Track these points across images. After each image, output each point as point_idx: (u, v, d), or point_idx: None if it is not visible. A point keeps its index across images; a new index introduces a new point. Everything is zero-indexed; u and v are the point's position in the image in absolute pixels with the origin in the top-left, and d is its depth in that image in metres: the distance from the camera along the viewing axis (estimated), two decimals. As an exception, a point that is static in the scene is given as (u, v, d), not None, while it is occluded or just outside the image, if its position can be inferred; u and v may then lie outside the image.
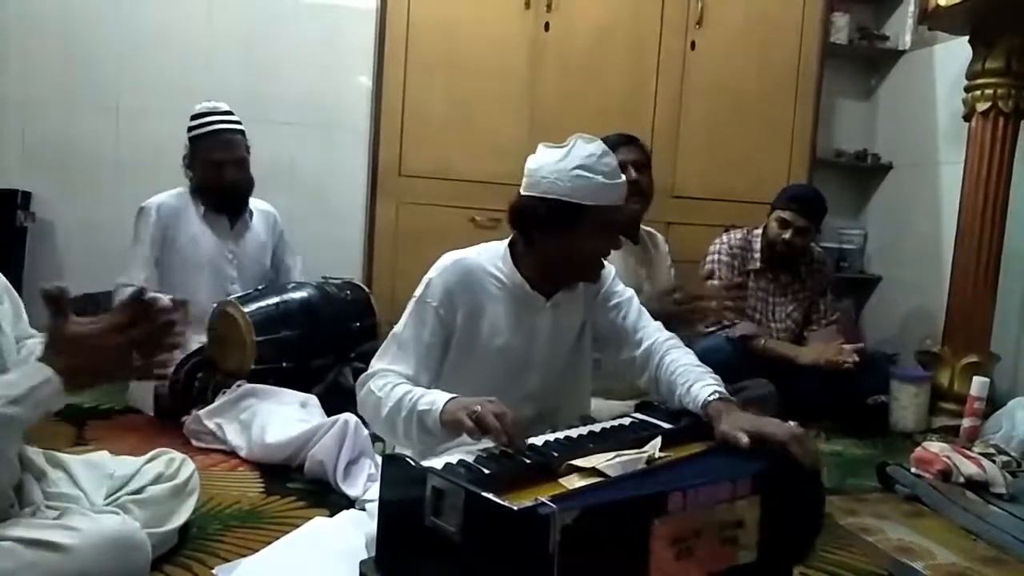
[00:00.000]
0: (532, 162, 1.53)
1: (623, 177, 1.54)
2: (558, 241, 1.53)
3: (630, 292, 1.73)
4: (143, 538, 1.25)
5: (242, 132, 2.55)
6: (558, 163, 1.49)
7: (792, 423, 1.32)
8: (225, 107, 2.54)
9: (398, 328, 1.58)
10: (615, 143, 2.37)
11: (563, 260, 1.56)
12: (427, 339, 1.54)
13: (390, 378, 1.50)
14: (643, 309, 1.71)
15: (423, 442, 1.42)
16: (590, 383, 1.78)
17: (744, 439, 1.28)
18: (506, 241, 1.63)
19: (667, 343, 1.62)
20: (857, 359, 2.64)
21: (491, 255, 1.62)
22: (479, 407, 1.29)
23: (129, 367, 1.12)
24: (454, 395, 1.39)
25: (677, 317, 2.03)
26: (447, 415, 1.34)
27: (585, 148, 1.49)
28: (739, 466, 1.23)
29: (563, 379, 1.67)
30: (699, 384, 1.47)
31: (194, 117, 2.52)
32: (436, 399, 1.39)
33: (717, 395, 1.43)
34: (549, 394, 1.64)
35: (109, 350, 1.09)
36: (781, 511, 1.21)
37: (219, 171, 2.50)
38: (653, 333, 1.65)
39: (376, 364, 1.56)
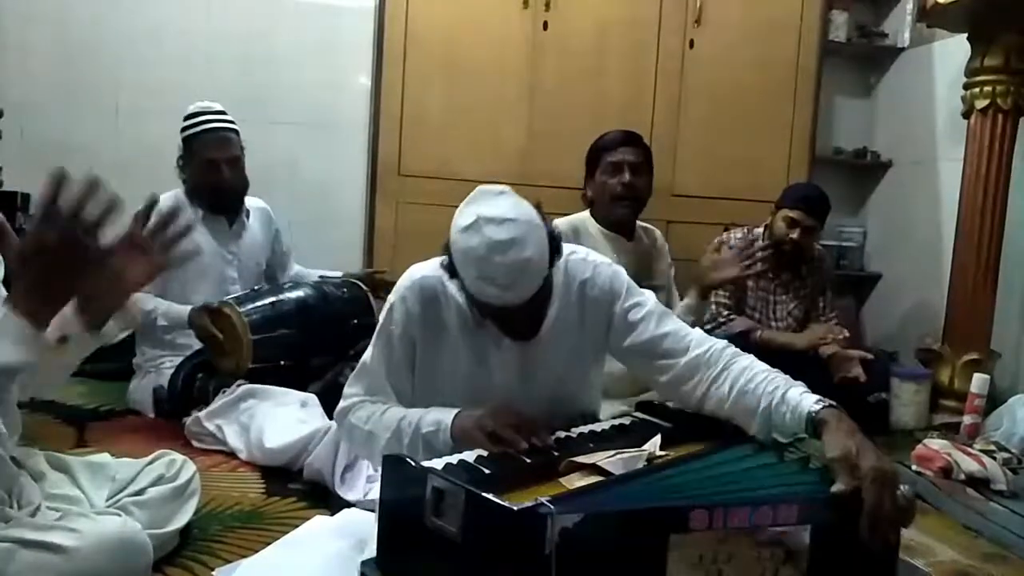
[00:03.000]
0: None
1: (505, 286, 1.27)
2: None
3: (651, 299, 1.50)
4: (144, 540, 1.25)
5: (236, 132, 2.53)
6: (463, 225, 1.29)
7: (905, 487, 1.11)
8: (218, 107, 2.53)
9: (367, 357, 1.51)
10: (614, 141, 2.38)
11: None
12: (396, 364, 1.47)
13: (374, 407, 1.45)
14: (671, 314, 1.50)
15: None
16: (597, 398, 1.65)
17: (844, 483, 1.09)
18: None
19: (727, 350, 1.39)
20: (847, 334, 2.70)
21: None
22: (489, 421, 1.26)
23: (83, 253, 1.05)
24: (457, 409, 1.34)
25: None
26: (458, 431, 1.31)
27: (485, 230, 1.26)
28: (787, 485, 1.10)
29: (553, 407, 1.47)
30: (795, 390, 1.27)
31: (187, 117, 2.50)
32: (440, 419, 1.35)
33: (826, 404, 1.24)
34: (535, 411, 1.41)
35: (50, 246, 1.03)
36: (839, 547, 1.04)
37: (214, 170, 2.47)
38: (703, 340, 1.41)
39: (349, 392, 1.51)
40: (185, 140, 2.51)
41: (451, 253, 1.32)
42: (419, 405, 1.46)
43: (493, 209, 1.28)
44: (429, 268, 1.46)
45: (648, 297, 1.51)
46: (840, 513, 1.05)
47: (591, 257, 1.52)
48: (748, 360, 1.36)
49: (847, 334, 2.68)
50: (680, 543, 0.97)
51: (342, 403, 1.52)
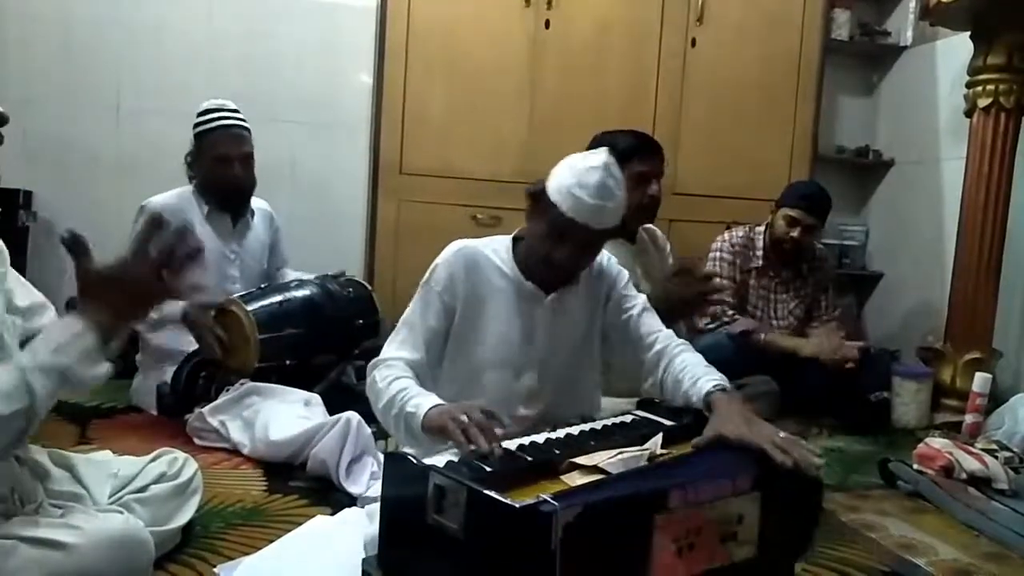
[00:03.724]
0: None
1: (609, 208, 1.50)
2: (535, 234, 1.56)
3: (642, 298, 1.71)
4: (147, 537, 1.25)
5: (249, 130, 2.54)
6: (577, 165, 1.50)
7: (783, 433, 1.30)
8: (232, 105, 2.53)
9: (407, 312, 1.61)
10: (638, 149, 2.20)
11: (538, 256, 1.57)
12: (432, 323, 1.57)
13: (394, 370, 1.50)
14: (654, 313, 1.70)
15: (410, 444, 1.42)
16: (598, 385, 1.76)
17: (714, 434, 1.30)
18: (511, 235, 1.65)
19: (678, 347, 1.61)
20: (857, 356, 2.65)
21: (497, 246, 1.63)
22: (465, 416, 1.28)
23: (162, 289, 1.13)
24: (439, 402, 1.38)
25: (680, 300, 2.04)
26: (429, 421, 1.34)
27: (604, 167, 1.48)
28: (741, 463, 1.23)
29: (564, 379, 1.65)
30: (704, 379, 1.48)
31: (201, 113, 2.49)
32: (421, 403, 1.38)
33: (720, 386, 1.45)
34: (549, 393, 1.63)
35: (139, 278, 1.11)
36: (780, 507, 1.21)
37: (226, 166, 2.47)
38: (665, 338, 1.64)
39: (386, 350, 1.57)
40: (197, 136, 2.50)
41: (542, 195, 1.51)
42: (450, 368, 1.60)
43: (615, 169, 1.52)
44: (471, 240, 1.64)
45: (639, 297, 1.72)
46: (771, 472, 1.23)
47: (607, 254, 1.72)
48: (687, 354, 1.59)
49: (857, 355, 2.66)
50: (663, 522, 1.06)
51: (376, 358, 1.58)
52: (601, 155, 1.49)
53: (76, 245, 1.10)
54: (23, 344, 1.14)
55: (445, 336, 1.59)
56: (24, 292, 1.30)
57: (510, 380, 1.60)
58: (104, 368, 1.10)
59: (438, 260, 1.61)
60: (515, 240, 1.63)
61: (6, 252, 1.26)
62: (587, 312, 1.67)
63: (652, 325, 1.67)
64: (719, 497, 1.13)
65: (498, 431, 1.29)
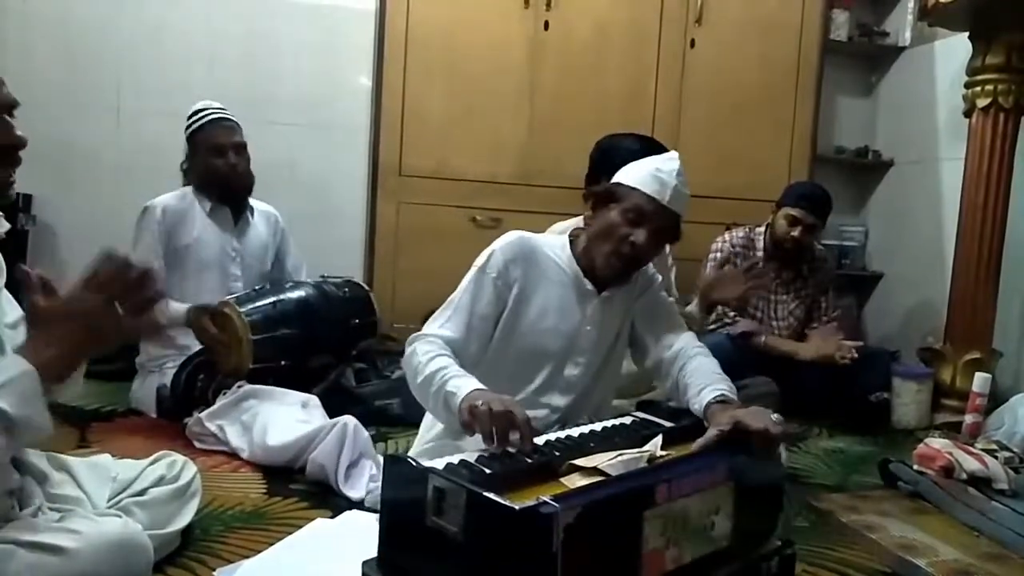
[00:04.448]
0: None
1: (672, 185, 1.62)
2: (597, 221, 1.61)
3: (671, 302, 1.77)
4: (145, 541, 1.24)
5: (238, 124, 2.56)
6: (647, 158, 1.65)
7: (775, 416, 1.36)
8: (219, 104, 2.56)
9: (456, 294, 1.61)
10: (638, 154, 2.25)
11: (591, 245, 1.61)
12: (482, 309, 1.58)
13: (435, 347, 1.51)
14: (681, 319, 1.75)
15: (447, 421, 1.44)
16: (611, 399, 1.81)
17: (716, 432, 1.32)
18: (568, 233, 1.70)
19: (695, 349, 1.63)
20: (855, 355, 2.64)
21: (554, 242, 1.69)
22: (487, 406, 1.26)
23: (116, 325, 1.08)
24: (480, 386, 1.38)
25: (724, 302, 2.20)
26: (469, 400, 1.33)
27: (675, 158, 1.66)
28: (719, 457, 1.26)
29: (601, 374, 1.70)
30: (709, 388, 1.48)
31: (190, 116, 2.53)
32: (463, 384, 1.38)
33: (720, 397, 1.45)
34: (586, 386, 1.67)
35: (90, 311, 1.06)
36: (749, 495, 1.25)
37: (221, 156, 2.49)
38: (685, 340, 1.66)
39: (429, 326, 1.58)
40: (190, 136, 2.52)
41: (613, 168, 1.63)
42: (497, 355, 1.61)
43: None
44: (533, 235, 1.68)
45: (669, 299, 1.80)
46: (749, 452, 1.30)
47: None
48: (701, 359, 1.60)
49: (855, 355, 2.65)
50: (651, 517, 1.08)
51: (420, 332, 1.58)
52: (674, 156, 1.65)
53: (28, 281, 1.06)
54: None
55: (495, 322, 1.61)
56: (12, 306, 1.28)
57: (556, 370, 1.64)
58: (44, 417, 1.04)
59: (495, 246, 1.62)
60: (571, 240, 1.68)
61: (3, 265, 1.25)
62: (623, 310, 1.71)
63: (676, 329, 1.70)
64: (698, 489, 1.16)
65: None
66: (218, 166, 2.50)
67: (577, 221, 2.39)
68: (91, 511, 1.29)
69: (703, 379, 1.52)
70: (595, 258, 1.61)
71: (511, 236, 1.64)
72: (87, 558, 1.13)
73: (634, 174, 1.59)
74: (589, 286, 1.64)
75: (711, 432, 1.33)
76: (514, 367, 1.62)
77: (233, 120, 2.55)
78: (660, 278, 1.77)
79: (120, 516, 1.27)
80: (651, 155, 2.22)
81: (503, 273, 1.59)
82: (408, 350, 1.56)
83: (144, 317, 1.10)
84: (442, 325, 1.57)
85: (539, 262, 1.63)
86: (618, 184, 1.59)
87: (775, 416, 1.36)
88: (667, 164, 1.62)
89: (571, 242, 1.67)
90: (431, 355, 1.48)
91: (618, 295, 1.67)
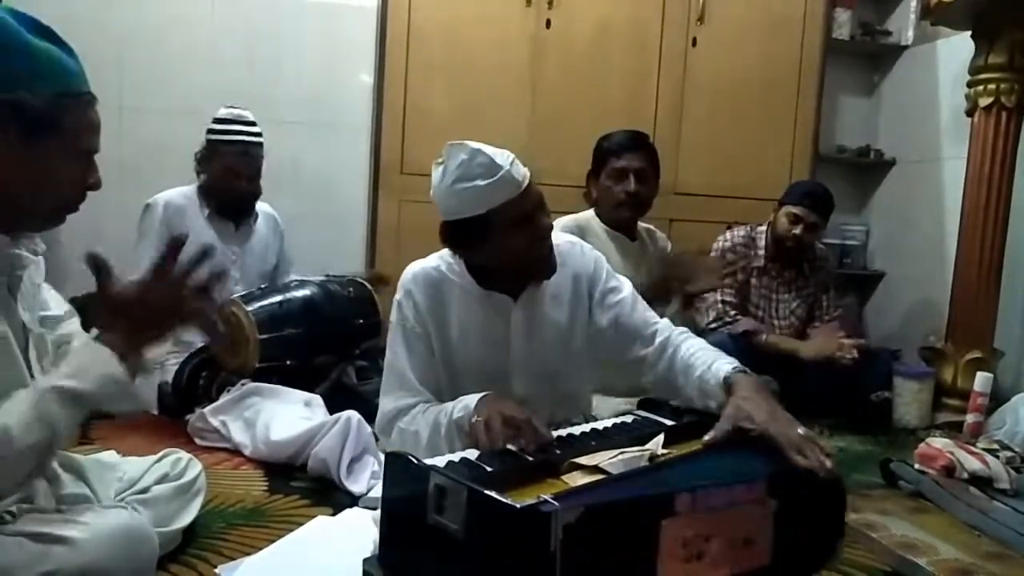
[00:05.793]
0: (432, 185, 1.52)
1: (505, 166, 1.45)
2: (483, 253, 1.52)
3: (628, 286, 1.68)
4: (150, 532, 1.25)
5: (262, 144, 2.56)
6: (440, 183, 1.48)
7: (802, 429, 1.28)
8: (250, 116, 2.55)
9: (390, 359, 1.58)
10: (619, 147, 2.34)
11: (501, 266, 1.54)
12: (421, 359, 1.56)
13: (415, 409, 1.51)
14: (642, 301, 1.67)
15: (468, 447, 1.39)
16: (589, 384, 1.76)
17: (748, 426, 1.28)
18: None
19: (682, 335, 1.59)
20: (856, 355, 2.64)
21: (449, 262, 1.61)
22: (487, 417, 1.28)
23: (184, 310, 1.13)
24: (485, 393, 1.38)
25: (664, 280, 2.13)
26: (478, 413, 1.34)
27: (455, 157, 1.45)
28: (754, 466, 1.20)
29: (552, 383, 1.62)
30: (719, 361, 1.45)
31: (218, 120, 2.52)
32: (468, 403, 1.39)
33: (739, 368, 1.41)
34: (538, 400, 1.57)
35: (161, 298, 1.11)
36: (798, 514, 1.17)
37: (232, 180, 2.51)
38: (665, 328, 1.61)
39: (387, 404, 1.56)
40: (210, 141, 2.52)
41: (454, 219, 1.51)
42: (447, 391, 1.55)
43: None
44: (425, 261, 1.61)
45: (624, 283, 1.68)
46: (793, 476, 1.20)
47: (579, 243, 1.70)
48: (693, 340, 1.57)
49: (855, 355, 2.65)
50: (670, 527, 1.03)
51: (382, 416, 1.56)
52: (450, 160, 1.47)
53: (99, 268, 1.10)
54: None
55: (435, 359, 1.58)
56: (57, 301, 1.32)
57: (504, 388, 1.55)
58: (130, 394, 1.10)
59: (398, 296, 1.59)
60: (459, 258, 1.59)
61: (43, 263, 1.27)
62: (567, 311, 1.63)
63: (647, 317, 1.63)
64: (732, 504, 1.10)
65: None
66: (227, 188, 2.52)
67: (583, 216, 2.41)
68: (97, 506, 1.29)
69: (708, 355, 1.48)
70: (509, 279, 1.56)
71: (406, 276, 1.59)
72: (93, 548, 1.13)
73: (471, 202, 1.47)
74: (501, 297, 1.58)
75: (726, 421, 1.30)
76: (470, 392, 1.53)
77: (257, 142, 2.53)
78: (603, 259, 1.68)
79: (126, 508, 1.27)
80: (620, 150, 2.32)
81: (416, 317, 1.56)
82: (392, 438, 1.54)
83: (207, 298, 1.14)
84: (397, 397, 1.55)
85: (442, 291, 1.58)
86: (468, 221, 1.49)
87: (802, 431, 1.28)
88: (469, 172, 1.46)
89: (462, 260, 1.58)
90: (419, 412, 1.48)
91: (543, 296, 1.59)
